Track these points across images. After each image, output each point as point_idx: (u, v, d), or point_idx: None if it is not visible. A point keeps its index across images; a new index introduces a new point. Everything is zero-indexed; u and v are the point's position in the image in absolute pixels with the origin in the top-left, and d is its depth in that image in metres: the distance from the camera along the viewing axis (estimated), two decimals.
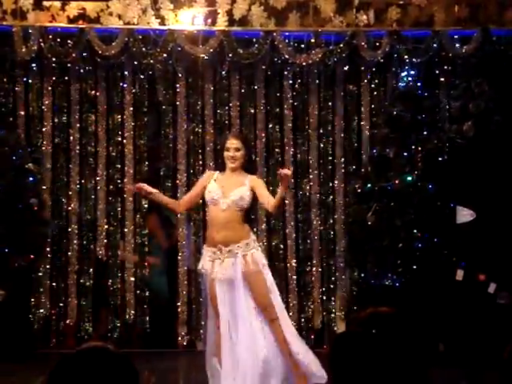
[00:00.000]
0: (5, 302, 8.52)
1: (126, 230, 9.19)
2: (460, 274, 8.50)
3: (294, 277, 9.24)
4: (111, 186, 9.23)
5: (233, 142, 6.36)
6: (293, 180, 9.06)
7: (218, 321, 6.17)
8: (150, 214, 9.32)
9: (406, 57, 9.03)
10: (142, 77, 9.26)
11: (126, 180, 9.15)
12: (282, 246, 9.28)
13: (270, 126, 9.37)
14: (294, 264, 9.25)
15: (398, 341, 2.47)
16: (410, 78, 8.95)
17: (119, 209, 9.22)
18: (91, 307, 9.13)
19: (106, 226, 9.17)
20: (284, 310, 6.39)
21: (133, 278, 9.16)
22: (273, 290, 6.26)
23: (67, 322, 9.08)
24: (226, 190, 6.30)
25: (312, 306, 9.27)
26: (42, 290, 9.05)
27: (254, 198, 6.35)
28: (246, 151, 6.42)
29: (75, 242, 9.15)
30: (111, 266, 9.20)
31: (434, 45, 9.04)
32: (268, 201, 6.25)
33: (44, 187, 9.11)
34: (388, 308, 2.51)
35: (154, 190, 6.50)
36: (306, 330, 9.21)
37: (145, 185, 6.48)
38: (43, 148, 9.18)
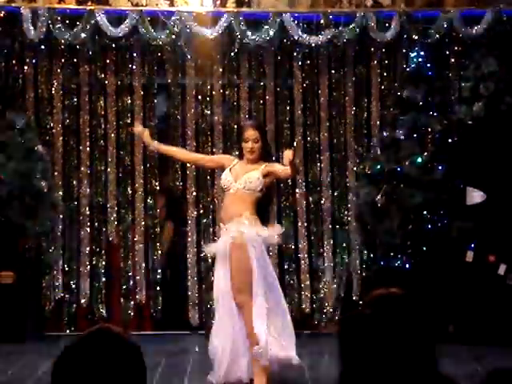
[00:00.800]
0: (15, 285, 8.56)
1: (136, 212, 9.20)
2: (470, 256, 8.49)
3: (306, 258, 9.22)
4: (121, 168, 9.23)
5: (251, 133, 6.44)
6: (298, 161, 9.03)
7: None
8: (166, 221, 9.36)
9: (415, 37, 8.98)
10: (150, 58, 9.24)
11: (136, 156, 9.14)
12: (292, 228, 9.26)
13: (280, 107, 9.34)
14: (305, 245, 9.24)
15: (407, 322, 2.47)
16: (419, 59, 8.91)
17: (130, 191, 9.22)
18: (104, 289, 9.16)
19: (116, 209, 9.18)
20: (277, 301, 6.43)
21: (143, 262, 9.17)
22: (265, 280, 6.33)
23: (79, 303, 9.11)
24: (237, 176, 6.46)
25: (325, 288, 9.25)
26: (54, 272, 9.08)
27: (271, 186, 6.52)
28: (264, 142, 6.51)
29: (87, 224, 9.17)
30: (122, 248, 9.22)
31: (445, 25, 8.98)
32: (283, 170, 6.39)
33: (54, 170, 9.12)
34: (397, 289, 2.50)
35: (153, 142, 6.93)
36: (318, 311, 9.22)
37: (146, 132, 6.85)
38: (53, 130, 9.18)
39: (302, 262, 9.23)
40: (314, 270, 9.27)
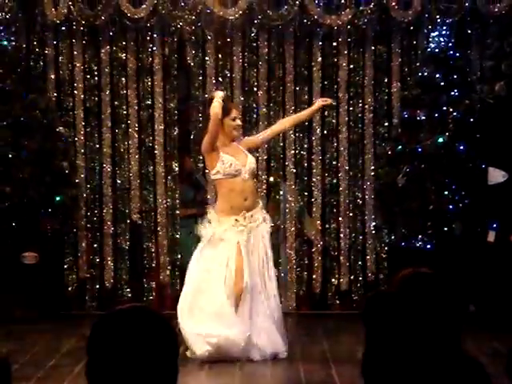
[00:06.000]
0: (38, 265, 8.63)
1: (158, 192, 9.23)
2: (492, 236, 8.46)
3: (319, 239, 9.21)
4: (143, 149, 9.25)
5: (239, 112, 7.16)
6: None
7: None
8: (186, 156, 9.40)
9: (437, 16, 8.92)
10: (171, 39, 9.23)
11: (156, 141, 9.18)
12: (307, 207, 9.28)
13: (299, 88, 9.31)
14: (319, 226, 9.23)
15: (433, 302, 2.47)
16: (441, 39, 8.85)
17: (152, 172, 9.24)
18: (128, 270, 9.21)
19: (138, 189, 9.20)
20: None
21: (166, 241, 9.21)
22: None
23: (103, 283, 9.16)
24: (240, 159, 6.98)
25: (337, 268, 9.24)
26: (77, 252, 9.14)
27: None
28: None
29: (109, 205, 9.21)
30: (145, 229, 9.25)
31: (466, 4, 8.91)
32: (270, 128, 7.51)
33: (76, 151, 9.16)
34: (426, 269, 2.51)
35: None
36: (331, 292, 9.22)
37: None
38: (74, 111, 9.21)
39: (316, 241, 9.22)
40: (328, 249, 9.25)
